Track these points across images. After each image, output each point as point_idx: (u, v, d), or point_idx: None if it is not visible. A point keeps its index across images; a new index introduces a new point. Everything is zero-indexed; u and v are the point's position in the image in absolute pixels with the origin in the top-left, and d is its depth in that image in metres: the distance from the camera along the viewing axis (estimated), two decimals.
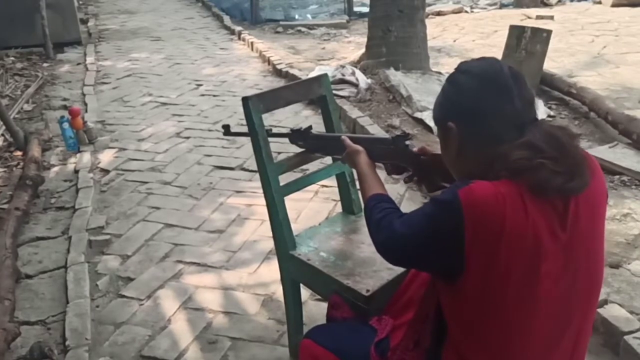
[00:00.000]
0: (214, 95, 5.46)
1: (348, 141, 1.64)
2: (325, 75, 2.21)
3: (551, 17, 7.89)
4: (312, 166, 2.55)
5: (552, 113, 4.53)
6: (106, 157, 4.08)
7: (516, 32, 4.90)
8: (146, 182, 3.67)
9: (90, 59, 6.71)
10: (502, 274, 1.05)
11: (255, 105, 1.96)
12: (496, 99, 1.13)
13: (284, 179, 1.97)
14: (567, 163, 1.07)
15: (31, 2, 6.75)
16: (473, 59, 1.24)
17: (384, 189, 1.45)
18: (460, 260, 1.07)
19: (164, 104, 5.25)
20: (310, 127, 1.90)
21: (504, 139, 1.11)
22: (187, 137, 4.43)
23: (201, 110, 5.05)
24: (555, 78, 4.92)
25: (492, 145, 1.12)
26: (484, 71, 1.17)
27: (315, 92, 2.17)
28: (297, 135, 1.91)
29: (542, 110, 4.44)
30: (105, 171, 3.86)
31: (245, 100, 1.94)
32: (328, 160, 2.17)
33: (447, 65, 5.99)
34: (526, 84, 1.17)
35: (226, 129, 2.06)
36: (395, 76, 4.67)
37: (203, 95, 5.49)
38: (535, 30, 4.85)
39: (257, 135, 1.96)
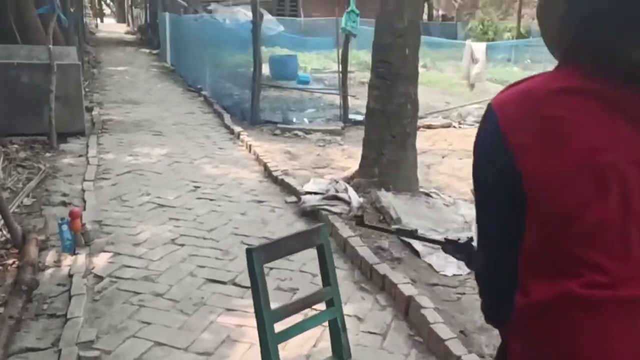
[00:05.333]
0: (211, 200, 5.63)
1: None
2: (324, 226, 2.39)
3: None
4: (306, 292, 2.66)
5: None
6: (101, 262, 4.17)
7: None
8: (139, 293, 3.74)
9: (92, 152, 6.93)
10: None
11: (258, 256, 2.11)
12: None
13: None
14: None
15: (42, 93, 7.07)
16: None
17: None
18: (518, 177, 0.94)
19: (161, 205, 5.41)
20: (471, 240, 1.51)
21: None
22: (182, 245, 4.55)
23: (197, 215, 5.21)
24: None
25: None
26: None
27: (314, 242, 2.33)
28: (453, 248, 1.57)
29: None
30: (99, 277, 3.94)
31: (249, 252, 2.10)
32: (320, 306, 2.31)
33: (434, 183, 6.27)
34: None
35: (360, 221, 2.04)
36: (386, 197, 4.89)
37: (200, 198, 5.66)
38: None
39: (258, 284, 2.09)
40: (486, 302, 1.12)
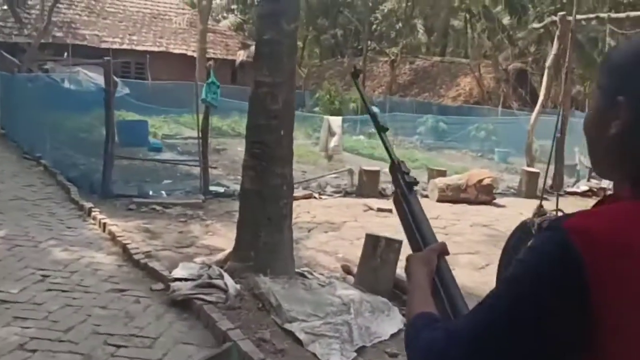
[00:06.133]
0: (63, 291, 4.99)
1: (433, 254, 1.11)
2: (234, 346, 2.18)
3: (390, 211, 8.72)
4: None
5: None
6: None
7: (372, 241, 5.34)
8: None
9: None
10: None
11: None
12: None
13: None
14: None
15: None
16: None
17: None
18: (586, 330, 0.77)
19: (3, 301, 4.67)
20: (414, 184, 1.25)
21: None
22: (34, 351, 3.92)
23: (49, 311, 4.56)
24: (406, 283, 5.35)
25: None
26: None
27: None
28: (399, 174, 1.26)
29: (398, 320, 4.73)
30: None
31: None
32: None
33: (304, 259, 6.24)
34: None
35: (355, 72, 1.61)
36: (264, 283, 4.73)
37: (50, 290, 4.99)
38: (389, 241, 5.32)
39: None
40: None
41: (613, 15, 11.07)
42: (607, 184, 11.18)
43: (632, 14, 11.09)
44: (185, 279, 4.98)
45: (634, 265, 0.76)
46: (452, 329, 0.88)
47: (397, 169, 1.25)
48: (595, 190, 11.51)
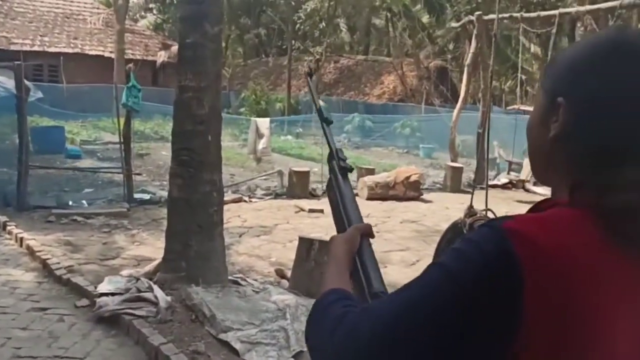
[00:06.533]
0: None
1: (357, 233, 1.06)
2: None
3: (321, 211, 8.74)
4: None
5: None
6: None
7: (305, 244, 5.31)
8: None
9: None
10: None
11: None
12: None
13: None
14: None
15: None
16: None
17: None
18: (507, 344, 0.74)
19: None
20: (348, 170, 1.25)
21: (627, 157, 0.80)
22: None
23: None
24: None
25: (607, 161, 0.81)
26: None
27: None
28: (334, 161, 1.25)
29: None
30: None
31: None
32: None
33: (237, 265, 6.13)
34: None
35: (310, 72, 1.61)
36: (197, 294, 4.59)
37: None
38: (323, 243, 5.31)
39: None
40: None
41: (525, 14, 11.62)
42: (525, 175, 11.73)
43: (543, 13, 11.68)
44: (112, 294, 4.77)
45: (569, 273, 0.75)
46: (369, 306, 0.83)
47: (333, 156, 1.24)
48: (514, 182, 12.04)
